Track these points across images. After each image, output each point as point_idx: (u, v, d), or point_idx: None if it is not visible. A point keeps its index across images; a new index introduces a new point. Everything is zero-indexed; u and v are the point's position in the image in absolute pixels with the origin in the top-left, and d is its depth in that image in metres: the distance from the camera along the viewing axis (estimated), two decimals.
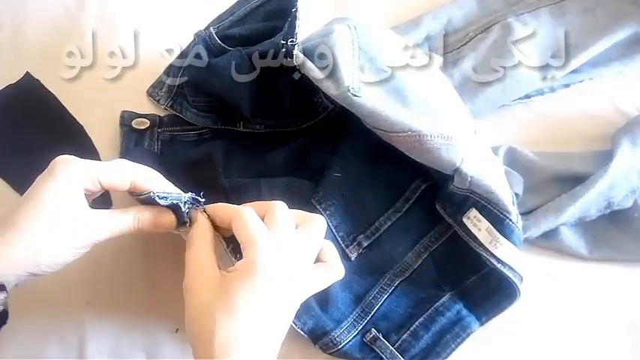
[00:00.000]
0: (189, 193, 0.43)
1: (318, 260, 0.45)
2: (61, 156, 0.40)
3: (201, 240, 0.42)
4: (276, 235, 0.41)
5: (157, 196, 0.42)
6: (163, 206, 0.42)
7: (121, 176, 0.41)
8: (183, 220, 0.43)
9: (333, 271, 0.45)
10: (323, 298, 0.49)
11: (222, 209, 0.43)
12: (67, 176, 0.39)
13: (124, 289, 0.52)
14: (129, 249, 0.53)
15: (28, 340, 0.50)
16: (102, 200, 0.55)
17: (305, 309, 0.48)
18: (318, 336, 0.48)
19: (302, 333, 0.48)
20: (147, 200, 0.42)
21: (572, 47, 0.59)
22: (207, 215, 0.43)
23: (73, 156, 0.40)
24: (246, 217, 0.41)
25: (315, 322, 0.48)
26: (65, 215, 0.39)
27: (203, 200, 0.43)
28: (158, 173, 0.44)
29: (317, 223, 0.44)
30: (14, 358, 0.50)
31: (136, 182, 0.41)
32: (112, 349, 0.50)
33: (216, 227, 0.44)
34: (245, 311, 0.37)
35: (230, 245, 0.44)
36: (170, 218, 0.43)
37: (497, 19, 0.61)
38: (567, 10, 0.61)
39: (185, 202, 0.43)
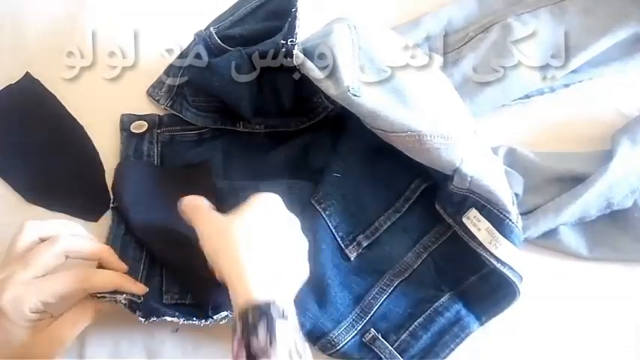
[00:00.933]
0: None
1: None
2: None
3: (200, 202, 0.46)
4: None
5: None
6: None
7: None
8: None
9: None
10: (322, 298, 0.49)
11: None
12: (21, 319, 0.41)
13: None
14: None
15: None
16: (100, 201, 0.55)
17: (303, 310, 0.48)
18: (316, 337, 0.48)
19: None
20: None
21: (572, 47, 0.59)
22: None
23: (13, 290, 0.41)
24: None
25: (313, 324, 0.48)
26: None
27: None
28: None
29: None
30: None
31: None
32: (112, 349, 0.50)
33: None
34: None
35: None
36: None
37: (497, 19, 0.61)
38: (567, 10, 0.61)
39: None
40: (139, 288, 0.46)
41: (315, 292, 0.49)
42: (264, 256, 0.41)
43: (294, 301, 0.42)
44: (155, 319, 0.44)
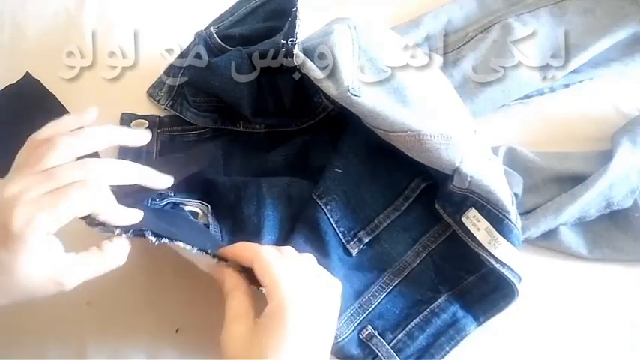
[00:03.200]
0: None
1: None
2: (17, 210, 0.33)
3: (235, 292, 0.40)
4: (294, 267, 0.40)
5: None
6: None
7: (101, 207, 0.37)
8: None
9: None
10: None
11: (242, 251, 0.42)
12: (39, 240, 0.34)
13: (124, 289, 0.52)
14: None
15: (29, 340, 0.50)
16: None
17: None
18: None
19: None
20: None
21: (572, 47, 0.59)
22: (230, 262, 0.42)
23: (31, 205, 0.34)
24: (266, 256, 0.40)
25: None
26: (49, 285, 0.36)
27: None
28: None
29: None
30: (14, 358, 0.50)
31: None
32: (112, 349, 0.50)
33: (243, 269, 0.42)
34: (285, 351, 0.36)
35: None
36: None
37: (497, 19, 0.61)
38: (567, 10, 0.61)
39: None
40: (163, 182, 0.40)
41: None
42: None
43: None
44: (167, 241, 0.41)
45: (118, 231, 0.39)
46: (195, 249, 0.41)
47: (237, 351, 0.37)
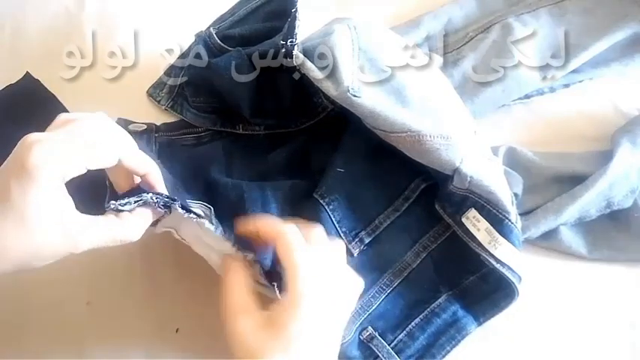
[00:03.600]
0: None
1: None
2: (36, 147, 0.33)
3: (236, 285, 0.40)
4: (318, 257, 0.39)
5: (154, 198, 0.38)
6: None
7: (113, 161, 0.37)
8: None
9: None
10: None
11: (266, 226, 0.41)
12: (52, 182, 0.33)
13: (124, 289, 0.52)
14: (129, 249, 0.53)
15: (28, 339, 0.50)
16: (100, 200, 0.55)
17: None
18: None
19: None
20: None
21: (572, 47, 0.59)
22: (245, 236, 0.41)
23: (50, 145, 0.34)
24: (290, 240, 0.39)
25: None
26: (57, 233, 0.34)
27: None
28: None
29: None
30: (14, 358, 0.50)
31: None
32: (112, 350, 0.50)
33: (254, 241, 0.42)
34: (299, 344, 0.36)
35: (272, 281, 0.41)
36: None
37: (497, 19, 0.61)
38: (567, 10, 0.61)
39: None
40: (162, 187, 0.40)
41: None
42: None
43: None
44: (194, 216, 0.40)
45: (149, 196, 0.38)
46: (220, 228, 0.41)
47: (247, 347, 0.36)
